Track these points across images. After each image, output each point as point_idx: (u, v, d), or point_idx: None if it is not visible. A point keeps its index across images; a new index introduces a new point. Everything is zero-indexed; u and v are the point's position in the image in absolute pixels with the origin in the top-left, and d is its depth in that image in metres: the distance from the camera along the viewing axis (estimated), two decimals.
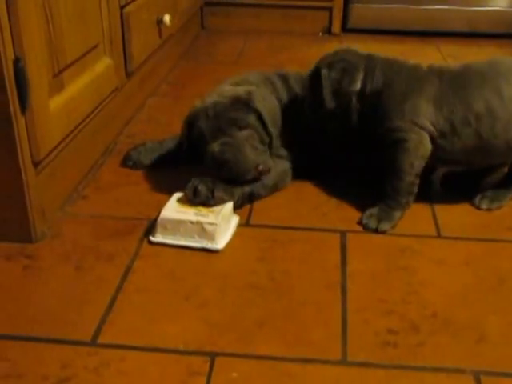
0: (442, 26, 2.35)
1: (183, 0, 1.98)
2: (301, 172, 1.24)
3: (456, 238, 1.09)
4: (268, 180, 1.18)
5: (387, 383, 0.79)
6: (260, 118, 1.15)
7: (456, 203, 1.19)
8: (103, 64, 1.30)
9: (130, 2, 1.46)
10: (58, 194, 1.15)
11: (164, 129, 1.49)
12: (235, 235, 1.08)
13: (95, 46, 1.25)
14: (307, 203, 1.19)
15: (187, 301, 0.93)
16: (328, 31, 2.39)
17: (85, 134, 1.23)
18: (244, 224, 1.12)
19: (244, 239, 1.08)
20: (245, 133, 1.13)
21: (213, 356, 0.82)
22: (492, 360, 0.83)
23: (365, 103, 1.14)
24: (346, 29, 2.40)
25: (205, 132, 1.15)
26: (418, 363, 0.82)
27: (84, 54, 1.20)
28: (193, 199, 1.08)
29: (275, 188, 1.21)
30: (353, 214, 1.16)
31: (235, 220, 1.11)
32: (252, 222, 1.13)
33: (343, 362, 0.82)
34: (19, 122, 0.96)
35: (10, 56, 0.92)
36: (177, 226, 1.05)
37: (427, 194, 1.20)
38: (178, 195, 1.11)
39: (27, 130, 0.99)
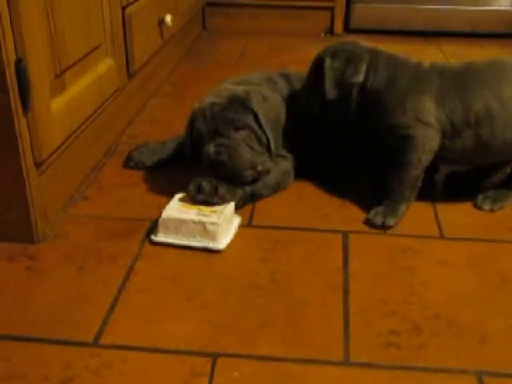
0: (444, 25, 2.35)
1: (185, 1, 1.98)
2: (303, 172, 1.24)
3: (458, 239, 1.09)
4: (270, 180, 1.18)
5: None
6: (257, 118, 1.14)
7: (458, 204, 1.19)
8: (105, 65, 1.30)
9: (132, 3, 1.46)
10: (60, 194, 1.15)
11: (166, 129, 1.49)
12: (237, 236, 1.08)
13: (97, 47, 1.25)
14: (309, 204, 1.19)
15: (189, 301, 0.93)
16: (330, 31, 2.39)
17: (87, 134, 1.23)
18: (246, 225, 1.12)
19: (246, 240, 1.08)
20: (242, 133, 1.13)
21: (215, 356, 0.82)
22: (495, 360, 0.82)
23: (365, 97, 1.13)
24: (348, 29, 2.39)
25: (202, 133, 1.15)
26: (420, 364, 0.82)
27: (86, 55, 1.20)
28: (196, 196, 1.08)
29: (277, 188, 1.21)
30: (355, 214, 1.16)
31: (237, 220, 1.11)
32: (254, 222, 1.13)
33: (345, 362, 0.82)
34: (21, 123, 0.96)
35: (12, 56, 0.92)
36: (179, 225, 1.05)
37: (429, 194, 1.20)
38: (180, 195, 1.11)
39: (29, 131, 0.99)
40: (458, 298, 0.94)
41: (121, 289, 0.95)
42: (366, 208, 1.16)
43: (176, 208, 1.08)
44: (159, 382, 0.79)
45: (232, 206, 1.10)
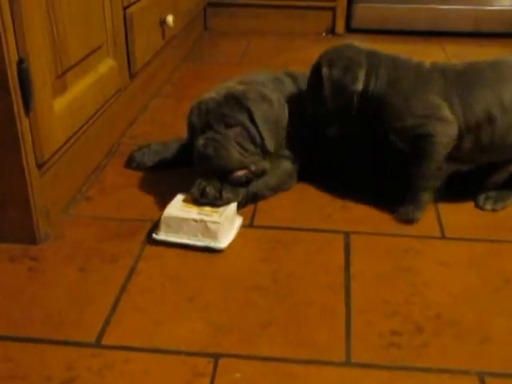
0: (446, 25, 2.35)
1: (186, 1, 1.98)
2: (306, 173, 1.24)
3: (460, 239, 1.09)
4: (272, 180, 1.18)
5: None
6: (252, 117, 1.12)
7: (460, 204, 1.19)
8: (106, 65, 1.31)
9: (133, 3, 1.46)
10: (62, 195, 1.15)
11: (167, 130, 1.49)
12: (239, 236, 1.08)
13: (98, 47, 1.26)
14: (311, 204, 1.19)
15: (191, 302, 0.93)
16: (331, 31, 2.39)
17: (88, 135, 1.23)
18: (248, 225, 1.12)
19: (248, 240, 1.08)
20: (233, 131, 1.11)
21: (216, 357, 0.82)
22: (497, 361, 0.82)
23: (368, 102, 1.12)
24: (349, 29, 2.39)
25: (196, 126, 1.15)
26: (422, 364, 0.82)
27: (87, 55, 1.20)
28: (200, 200, 1.08)
29: (279, 189, 1.21)
30: (357, 215, 1.16)
31: (239, 221, 1.11)
32: (256, 223, 1.13)
33: (347, 363, 0.82)
34: (23, 124, 0.96)
35: (14, 57, 0.92)
36: (180, 224, 1.05)
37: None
38: (182, 194, 1.11)
39: (31, 132, 0.99)
40: (460, 299, 0.94)
41: (122, 289, 0.95)
42: (368, 208, 1.16)
43: (178, 207, 1.08)
44: (161, 382, 0.79)
45: (234, 206, 1.10)
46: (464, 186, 1.24)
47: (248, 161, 1.12)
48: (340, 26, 2.38)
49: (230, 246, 1.05)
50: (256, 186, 1.16)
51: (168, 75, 1.88)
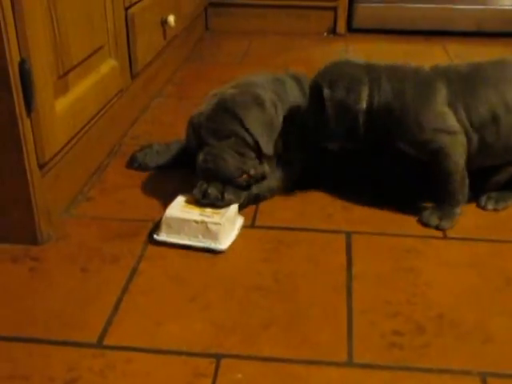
0: (448, 25, 2.34)
1: (187, 1, 1.98)
2: (308, 175, 1.23)
3: (462, 239, 1.09)
4: (274, 183, 1.18)
5: None
6: (243, 124, 1.11)
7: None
8: (108, 65, 1.31)
9: (135, 4, 1.46)
10: (64, 195, 1.15)
11: (169, 130, 1.49)
12: (240, 237, 1.08)
13: (100, 48, 1.26)
14: (312, 204, 1.19)
15: (192, 302, 0.93)
16: (333, 31, 2.39)
17: (90, 135, 1.24)
18: (249, 225, 1.12)
19: (249, 241, 1.08)
20: (229, 141, 1.11)
21: (218, 357, 0.82)
22: (498, 361, 0.82)
23: (374, 119, 1.10)
24: (351, 29, 2.39)
25: (192, 143, 1.15)
26: (423, 365, 0.82)
27: (89, 56, 1.20)
28: (201, 200, 1.08)
29: (281, 191, 1.20)
30: (358, 215, 1.16)
31: (240, 221, 1.11)
32: (257, 223, 1.13)
33: (349, 363, 0.82)
34: (25, 124, 0.97)
35: (16, 57, 0.92)
36: (181, 224, 1.05)
37: (432, 195, 1.19)
38: (183, 196, 1.11)
39: (33, 132, 0.99)
40: (462, 299, 0.94)
41: (124, 290, 0.95)
42: (369, 208, 1.16)
43: (179, 208, 1.08)
44: (162, 383, 0.79)
45: (235, 207, 1.10)
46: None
47: (247, 166, 1.11)
48: (341, 26, 2.38)
49: (232, 246, 1.05)
50: (258, 187, 1.16)
51: (169, 75, 1.88)
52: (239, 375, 0.80)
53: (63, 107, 1.08)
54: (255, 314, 0.90)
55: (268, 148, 1.13)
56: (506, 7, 2.31)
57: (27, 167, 0.99)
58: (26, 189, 1.00)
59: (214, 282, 0.98)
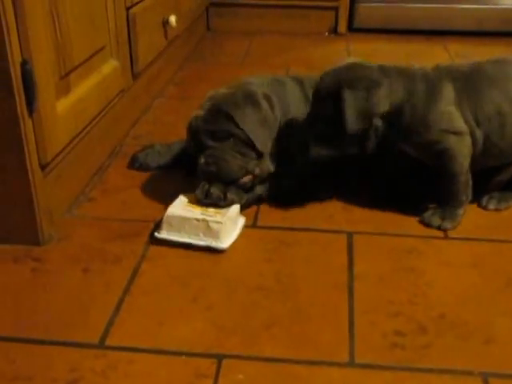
0: (449, 24, 2.34)
1: (188, 1, 1.98)
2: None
3: (463, 239, 1.09)
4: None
5: None
6: (237, 124, 1.11)
7: None
8: (110, 66, 1.31)
9: (136, 4, 1.46)
10: (65, 196, 1.15)
11: (170, 130, 1.49)
12: (242, 237, 1.08)
13: (102, 48, 1.26)
14: (313, 205, 1.19)
15: (194, 303, 0.93)
16: (334, 31, 2.39)
17: (91, 135, 1.24)
18: (251, 225, 1.12)
19: (250, 241, 1.08)
20: (227, 142, 1.10)
21: (220, 358, 0.82)
22: (500, 361, 0.82)
23: (385, 121, 1.07)
24: (352, 28, 2.39)
25: (192, 147, 1.15)
26: (425, 365, 0.82)
27: (91, 56, 1.20)
28: (204, 200, 1.08)
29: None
30: (359, 215, 1.16)
31: (241, 221, 1.11)
32: (259, 223, 1.13)
33: (350, 363, 0.82)
34: (27, 125, 0.97)
35: (18, 58, 0.92)
36: (182, 223, 1.05)
37: (434, 195, 1.19)
38: (185, 196, 1.11)
39: (34, 133, 0.99)
40: (463, 299, 0.94)
41: (126, 290, 0.95)
42: (370, 209, 1.16)
43: (181, 206, 1.08)
44: (164, 383, 0.79)
45: (237, 207, 1.10)
46: None
47: (251, 165, 1.11)
48: (342, 26, 2.38)
49: (233, 246, 1.06)
50: (260, 188, 1.16)
51: (171, 75, 1.88)
52: (241, 376, 0.80)
53: (65, 108, 1.08)
54: (257, 315, 0.90)
55: (263, 145, 1.12)
56: (507, 6, 2.31)
57: (29, 168, 0.99)
58: (28, 189, 1.01)
59: (215, 282, 0.98)
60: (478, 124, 1.08)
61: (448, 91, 1.08)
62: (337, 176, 1.22)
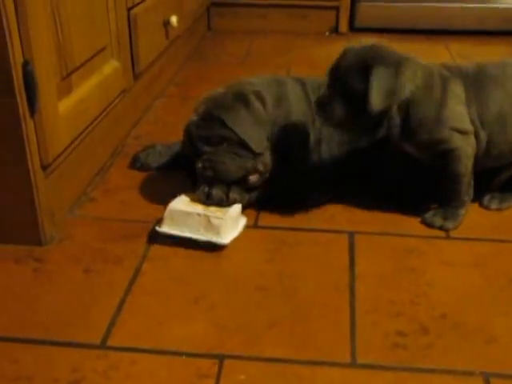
0: (450, 24, 2.34)
1: (190, 1, 1.98)
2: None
3: (464, 239, 1.09)
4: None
5: None
6: (227, 125, 1.10)
7: None
8: (111, 66, 1.31)
9: (137, 4, 1.46)
10: (67, 196, 1.15)
11: (171, 130, 1.49)
12: (243, 237, 1.08)
13: (103, 49, 1.26)
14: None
15: (196, 303, 0.93)
16: (335, 30, 2.39)
17: (93, 136, 1.24)
18: (252, 225, 1.12)
19: (252, 241, 1.08)
20: (222, 145, 1.10)
21: (221, 358, 0.82)
22: (502, 362, 0.82)
23: (403, 110, 1.05)
24: (353, 28, 2.39)
25: (188, 153, 1.16)
26: (427, 365, 0.82)
27: (92, 57, 1.20)
28: (206, 201, 1.08)
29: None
30: (361, 215, 1.16)
31: (243, 221, 1.11)
32: (260, 223, 1.13)
33: (352, 364, 0.82)
34: (28, 126, 0.97)
35: (19, 59, 0.93)
36: (184, 217, 1.05)
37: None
38: (187, 194, 1.11)
39: (36, 134, 0.99)
40: (465, 299, 0.94)
41: (127, 291, 0.95)
42: (371, 209, 1.16)
43: (183, 201, 1.08)
44: (166, 383, 0.79)
45: (239, 206, 1.10)
46: None
47: (249, 164, 1.11)
48: (343, 25, 2.38)
49: (235, 246, 1.06)
50: (260, 188, 1.16)
51: (172, 75, 1.88)
52: (242, 376, 0.80)
53: (66, 108, 1.08)
54: (258, 315, 0.90)
55: (257, 144, 1.11)
56: (508, 5, 2.30)
57: (30, 168, 0.99)
58: (30, 190, 1.01)
59: (217, 282, 0.98)
60: (483, 124, 1.08)
61: (459, 90, 1.08)
62: (337, 177, 1.22)
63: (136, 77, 1.49)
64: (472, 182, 1.11)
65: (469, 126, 1.07)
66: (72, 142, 1.12)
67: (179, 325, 0.88)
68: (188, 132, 1.15)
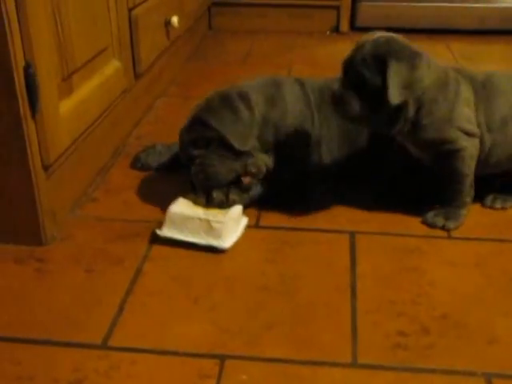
0: (451, 23, 2.34)
1: (191, 1, 1.98)
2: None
3: (466, 239, 1.09)
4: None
5: None
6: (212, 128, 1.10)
7: None
8: (112, 67, 1.31)
9: (138, 5, 1.46)
10: (68, 196, 1.15)
11: (172, 130, 1.48)
12: (244, 237, 1.08)
13: (104, 49, 1.26)
14: (315, 205, 1.19)
15: (197, 303, 0.93)
16: (336, 30, 2.39)
17: (94, 136, 1.24)
18: (253, 225, 1.12)
19: (253, 241, 1.08)
20: (210, 148, 1.10)
21: (222, 359, 0.82)
22: (503, 362, 0.82)
23: (418, 105, 1.04)
24: (354, 27, 2.39)
25: (183, 158, 1.16)
26: (428, 365, 0.82)
27: (93, 57, 1.20)
28: (206, 204, 1.09)
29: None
30: (361, 215, 1.16)
31: (244, 221, 1.11)
32: (261, 223, 1.13)
33: (353, 364, 0.82)
34: (29, 127, 0.97)
35: (21, 61, 0.93)
36: (185, 221, 1.05)
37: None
38: (188, 195, 1.11)
39: (37, 134, 0.99)
40: (466, 299, 0.94)
41: (129, 291, 0.95)
42: (372, 209, 1.16)
43: (183, 204, 1.08)
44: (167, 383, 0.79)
45: (240, 207, 1.10)
46: None
47: (237, 165, 1.10)
48: (344, 25, 2.38)
49: (236, 246, 1.06)
50: (260, 187, 1.16)
51: (173, 75, 1.88)
52: (244, 376, 0.80)
53: (67, 109, 1.08)
54: (259, 315, 0.90)
55: (240, 143, 1.10)
56: (508, 5, 2.30)
57: (32, 168, 0.99)
58: (31, 190, 1.01)
59: (218, 282, 0.98)
60: (489, 129, 1.08)
61: (468, 94, 1.08)
62: (337, 177, 1.22)
63: (137, 77, 1.49)
64: (473, 184, 1.11)
65: (475, 129, 1.08)
66: (73, 143, 1.12)
67: (180, 325, 0.89)
68: (180, 138, 1.16)
